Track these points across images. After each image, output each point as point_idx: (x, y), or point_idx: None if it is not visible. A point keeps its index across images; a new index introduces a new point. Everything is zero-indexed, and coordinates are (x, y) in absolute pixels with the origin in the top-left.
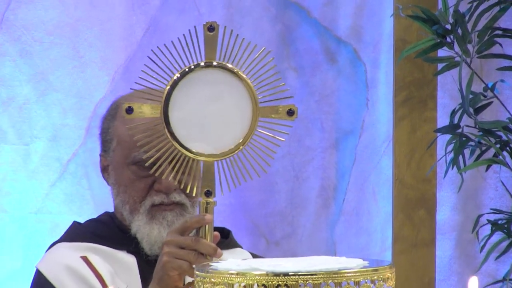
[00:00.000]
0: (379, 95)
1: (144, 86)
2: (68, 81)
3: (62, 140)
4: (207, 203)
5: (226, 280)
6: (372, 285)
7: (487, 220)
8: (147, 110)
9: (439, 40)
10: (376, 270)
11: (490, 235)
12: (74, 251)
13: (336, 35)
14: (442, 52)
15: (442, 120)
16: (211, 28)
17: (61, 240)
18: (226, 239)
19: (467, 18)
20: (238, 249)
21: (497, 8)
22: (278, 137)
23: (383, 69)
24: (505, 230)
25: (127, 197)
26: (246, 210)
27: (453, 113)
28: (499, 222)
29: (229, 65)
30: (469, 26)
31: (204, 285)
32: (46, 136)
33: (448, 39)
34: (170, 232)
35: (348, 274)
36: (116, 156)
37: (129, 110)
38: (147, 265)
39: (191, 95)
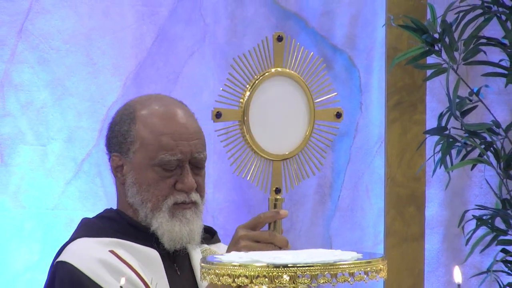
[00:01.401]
0: (372, 99)
1: (229, 92)
2: (82, 86)
3: (77, 141)
4: (276, 199)
5: (229, 272)
6: (365, 276)
7: (473, 215)
8: (231, 115)
9: (428, 48)
10: (369, 262)
11: (475, 230)
12: (101, 246)
13: (332, 44)
14: (431, 59)
15: (431, 122)
16: (279, 38)
17: (81, 235)
18: (212, 237)
19: (454, 27)
20: (221, 244)
21: (481, 19)
22: (328, 138)
23: (376, 75)
24: (489, 225)
25: (150, 196)
26: (248, 207)
27: (441, 116)
28: (484, 217)
29: (293, 72)
30: (456, 35)
31: (209, 276)
32: (62, 137)
33: (436, 47)
34: (241, 228)
35: (343, 266)
36: (138, 157)
37: (218, 115)
38: (164, 258)
39: (264, 100)
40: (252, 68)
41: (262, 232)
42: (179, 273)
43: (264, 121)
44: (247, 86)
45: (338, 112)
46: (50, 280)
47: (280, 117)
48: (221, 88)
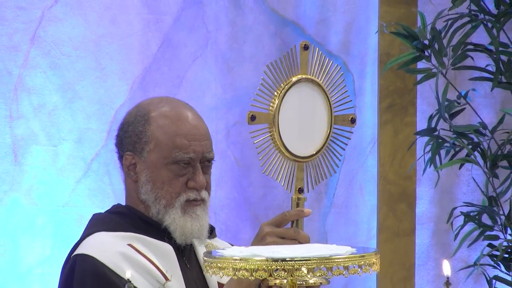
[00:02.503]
0: (366, 102)
1: (261, 96)
2: (91, 90)
3: (86, 142)
4: (299, 198)
5: (231, 265)
6: (359, 269)
7: (460, 212)
8: (263, 118)
9: (418, 54)
10: (363, 256)
11: (463, 225)
12: (119, 240)
13: (328, 49)
14: (421, 64)
15: (421, 124)
16: (306, 46)
17: (98, 230)
18: (211, 233)
19: (443, 34)
20: (218, 238)
21: (469, 26)
22: (343, 142)
23: (369, 79)
24: (476, 221)
25: (164, 193)
26: (248, 204)
27: (431, 118)
28: (471, 214)
29: (317, 79)
30: (445, 41)
31: (212, 270)
32: (72, 138)
33: (426, 53)
34: (266, 225)
35: (338, 260)
36: (152, 157)
37: (253, 118)
38: (176, 252)
39: (290, 105)
40: (282, 74)
41: (288, 229)
42: (188, 266)
43: (290, 124)
44: (278, 91)
45: (352, 118)
46: (68, 273)
47: (304, 121)
48: (255, 93)
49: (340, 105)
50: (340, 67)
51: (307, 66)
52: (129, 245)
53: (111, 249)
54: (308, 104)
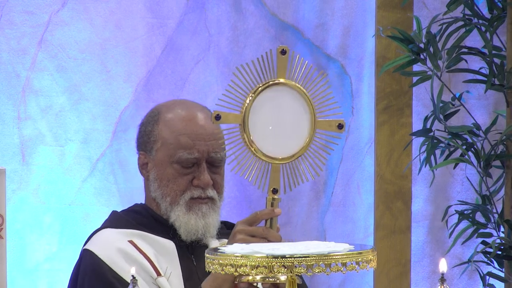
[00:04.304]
0: (363, 104)
1: (230, 97)
2: (97, 92)
3: (92, 142)
4: (273, 199)
5: (232, 262)
6: (357, 266)
7: (455, 210)
8: (231, 118)
9: (414, 57)
10: (360, 253)
11: (457, 223)
12: (122, 236)
13: (326, 53)
14: (417, 67)
15: (417, 125)
16: (283, 51)
17: (107, 226)
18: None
19: (437, 38)
20: None
21: (463, 30)
22: (329, 147)
23: (366, 82)
24: (470, 219)
25: (169, 191)
26: (249, 202)
27: (426, 119)
28: (465, 212)
29: (295, 83)
30: (440, 45)
31: (213, 266)
32: (79, 139)
33: (422, 56)
34: (240, 223)
35: (336, 257)
36: (159, 155)
37: (218, 117)
38: (181, 249)
39: (265, 107)
40: (254, 76)
41: (258, 227)
42: (195, 263)
43: (264, 126)
44: (249, 93)
45: (340, 124)
46: (77, 266)
47: (281, 123)
48: (222, 93)
49: (324, 110)
50: (326, 74)
51: (285, 71)
52: (130, 241)
53: (112, 245)
54: (286, 107)
